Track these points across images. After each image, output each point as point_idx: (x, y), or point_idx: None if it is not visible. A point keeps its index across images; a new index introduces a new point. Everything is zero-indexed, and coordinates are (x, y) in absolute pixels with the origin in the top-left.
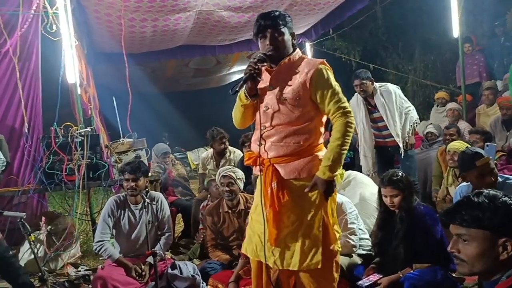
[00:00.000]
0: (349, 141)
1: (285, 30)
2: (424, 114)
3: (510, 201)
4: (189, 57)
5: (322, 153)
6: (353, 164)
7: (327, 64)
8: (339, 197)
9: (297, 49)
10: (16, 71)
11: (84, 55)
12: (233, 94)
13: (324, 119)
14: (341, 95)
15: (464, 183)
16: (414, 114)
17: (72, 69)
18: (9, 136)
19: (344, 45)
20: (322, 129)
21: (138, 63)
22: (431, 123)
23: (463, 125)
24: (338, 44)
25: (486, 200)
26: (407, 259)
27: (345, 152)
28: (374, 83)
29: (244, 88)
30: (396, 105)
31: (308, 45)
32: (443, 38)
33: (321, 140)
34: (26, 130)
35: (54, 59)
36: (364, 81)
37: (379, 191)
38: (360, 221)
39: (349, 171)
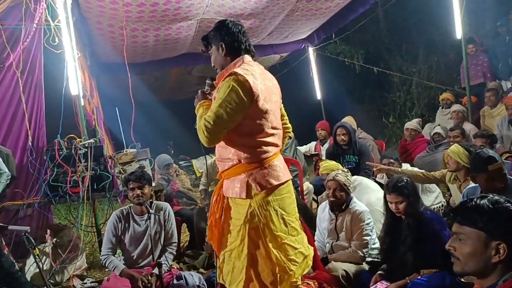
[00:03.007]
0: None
1: (211, 51)
2: (429, 116)
3: (502, 205)
4: (192, 65)
5: (260, 171)
6: (358, 169)
7: (238, 75)
8: (360, 206)
9: (235, 60)
10: (20, 84)
11: (87, 66)
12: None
13: (256, 135)
14: (220, 105)
15: (472, 185)
16: None
17: (75, 80)
18: (14, 149)
19: (347, 49)
20: (262, 147)
21: (141, 73)
22: (438, 125)
23: (469, 127)
24: (341, 48)
25: (488, 203)
26: (415, 265)
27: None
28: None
29: None
30: None
31: (311, 50)
32: (446, 39)
33: (266, 155)
34: (30, 143)
35: (57, 72)
36: None
37: (385, 197)
38: (373, 231)
39: (354, 176)
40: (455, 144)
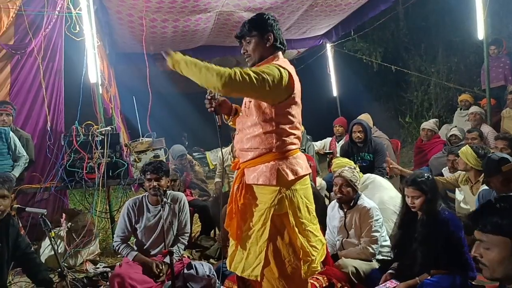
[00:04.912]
0: (206, 75)
1: (252, 38)
2: (447, 118)
3: None
4: (209, 58)
5: (287, 161)
6: (372, 167)
7: (284, 68)
8: (368, 202)
9: (275, 53)
10: (40, 70)
11: (106, 55)
12: (220, 129)
13: (288, 126)
14: (261, 70)
15: (486, 187)
16: None
17: (94, 68)
18: (33, 133)
19: (365, 47)
20: (291, 138)
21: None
22: (455, 126)
23: (487, 129)
24: (359, 46)
25: (508, 206)
26: (426, 264)
27: (198, 71)
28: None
29: (219, 119)
30: None
31: (329, 46)
32: (467, 40)
33: (292, 147)
34: (49, 128)
35: (77, 59)
36: None
37: (403, 191)
38: (383, 228)
39: (368, 174)
40: (467, 145)
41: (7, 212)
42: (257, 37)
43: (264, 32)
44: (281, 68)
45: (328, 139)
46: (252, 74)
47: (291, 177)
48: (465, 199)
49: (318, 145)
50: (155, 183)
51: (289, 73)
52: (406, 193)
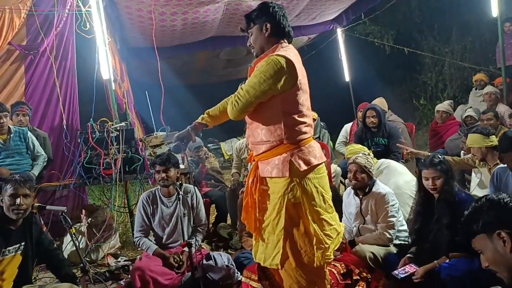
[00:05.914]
0: (227, 111)
1: (252, 30)
2: (462, 98)
3: (481, 202)
4: (219, 48)
5: (299, 151)
6: (387, 152)
7: (282, 57)
8: (383, 188)
9: (276, 43)
10: (54, 69)
11: (117, 51)
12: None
13: (296, 115)
14: (254, 82)
15: (501, 165)
16: None
17: (106, 65)
18: (49, 132)
19: (376, 30)
20: (301, 127)
21: (170, 57)
22: (470, 107)
23: (503, 109)
24: (371, 29)
25: (473, 209)
26: (447, 245)
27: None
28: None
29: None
30: None
31: (339, 31)
32: (482, 18)
33: (304, 136)
34: (65, 127)
35: (89, 56)
36: None
37: (419, 174)
38: (400, 213)
39: (382, 160)
40: (469, 134)
41: (29, 210)
42: (256, 29)
43: (261, 22)
44: (279, 58)
45: (348, 125)
46: (249, 91)
47: (303, 167)
48: (483, 182)
49: (343, 139)
50: (163, 175)
51: (288, 60)
52: (426, 175)
